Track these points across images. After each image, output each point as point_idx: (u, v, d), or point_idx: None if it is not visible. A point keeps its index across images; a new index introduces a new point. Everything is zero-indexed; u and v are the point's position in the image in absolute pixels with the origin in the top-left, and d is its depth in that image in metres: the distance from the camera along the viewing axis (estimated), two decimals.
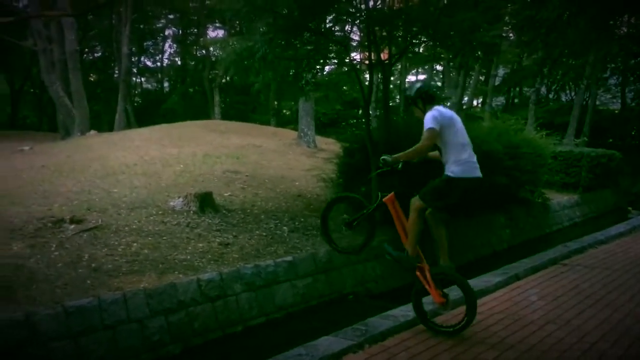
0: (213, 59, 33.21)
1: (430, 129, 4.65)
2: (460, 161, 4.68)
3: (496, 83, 29.49)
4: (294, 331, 6.15)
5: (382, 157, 5.00)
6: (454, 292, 5.07)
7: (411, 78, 37.47)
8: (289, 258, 7.02)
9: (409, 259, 4.91)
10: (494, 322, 5.00)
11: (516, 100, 33.59)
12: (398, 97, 32.28)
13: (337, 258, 7.56)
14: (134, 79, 39.85)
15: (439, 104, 5.00)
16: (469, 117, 18.91)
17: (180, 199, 8.36)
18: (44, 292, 5.21)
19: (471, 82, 30.22)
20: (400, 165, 5.00)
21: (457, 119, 4.87)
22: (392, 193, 5.07)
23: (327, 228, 5.59)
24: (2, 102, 34.96)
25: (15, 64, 31.62)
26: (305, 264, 7.12)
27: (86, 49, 35.58)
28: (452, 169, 4.68)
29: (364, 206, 5.33)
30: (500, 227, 11.48)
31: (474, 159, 4.78)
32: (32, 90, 35.62)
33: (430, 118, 4.70)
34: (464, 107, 27.92)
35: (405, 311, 5.14)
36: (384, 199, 5.09)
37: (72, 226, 6.93)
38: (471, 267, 9.05)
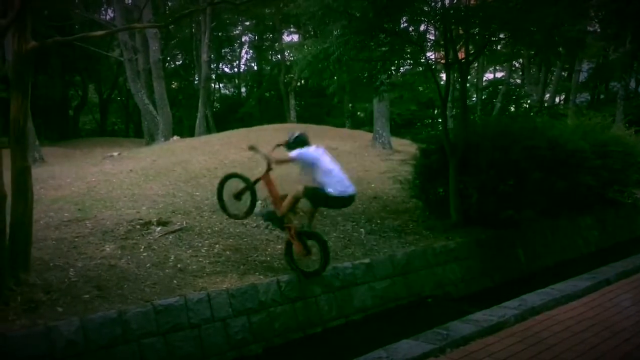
0: (288, 63, 33.74)
1: (290, 157, 6.47)
2: (337, 184, 6.25)
3: (580, 79, 28.17)
4: (374, 333, 6.15)
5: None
6: None
7: (489, 76, 36.49)
8: (367, 260, 7.02)
9: (277, 217, 6.58)
10: (583, 329, 4.79)
11: (602, 96, 31.96)
12: (475, 96, 31.53)
13: (416, 260, 7.49)
14: (213, 85, 41.07)
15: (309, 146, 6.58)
16: (551, 115, 18.10)
17: (259, 202, 8.54)
18: (134, 291, 5.48)
19: (553, 78, 29.06)
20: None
21: (322, 156, 6.45)
22: (266, 171, 6.71)
23: (222, 198, 7.07)
24: (92, 110, 37.09)
25: (104, 73, 33.50)
26: (383, 266, 7.10)
27: (168, 58, 37.07)
28: (331, 189, 6.21)
29: (248, 181, 6.87)
30: (587, 229, 10.96)
31: (344, 179, 6.35)
32: (119, 98, 37.51)
33: (295, 153, 6.43)
34: (546, 104, 26.85)
35: (488, 315, 5.02)
36: (260, 176, 6.81)
37: (159, 228, 7.25)
38: (557, 270, 8.72)
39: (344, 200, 6.45)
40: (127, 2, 24.53)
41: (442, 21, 8.79)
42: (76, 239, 6.69)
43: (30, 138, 12.07)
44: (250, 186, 6.84)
